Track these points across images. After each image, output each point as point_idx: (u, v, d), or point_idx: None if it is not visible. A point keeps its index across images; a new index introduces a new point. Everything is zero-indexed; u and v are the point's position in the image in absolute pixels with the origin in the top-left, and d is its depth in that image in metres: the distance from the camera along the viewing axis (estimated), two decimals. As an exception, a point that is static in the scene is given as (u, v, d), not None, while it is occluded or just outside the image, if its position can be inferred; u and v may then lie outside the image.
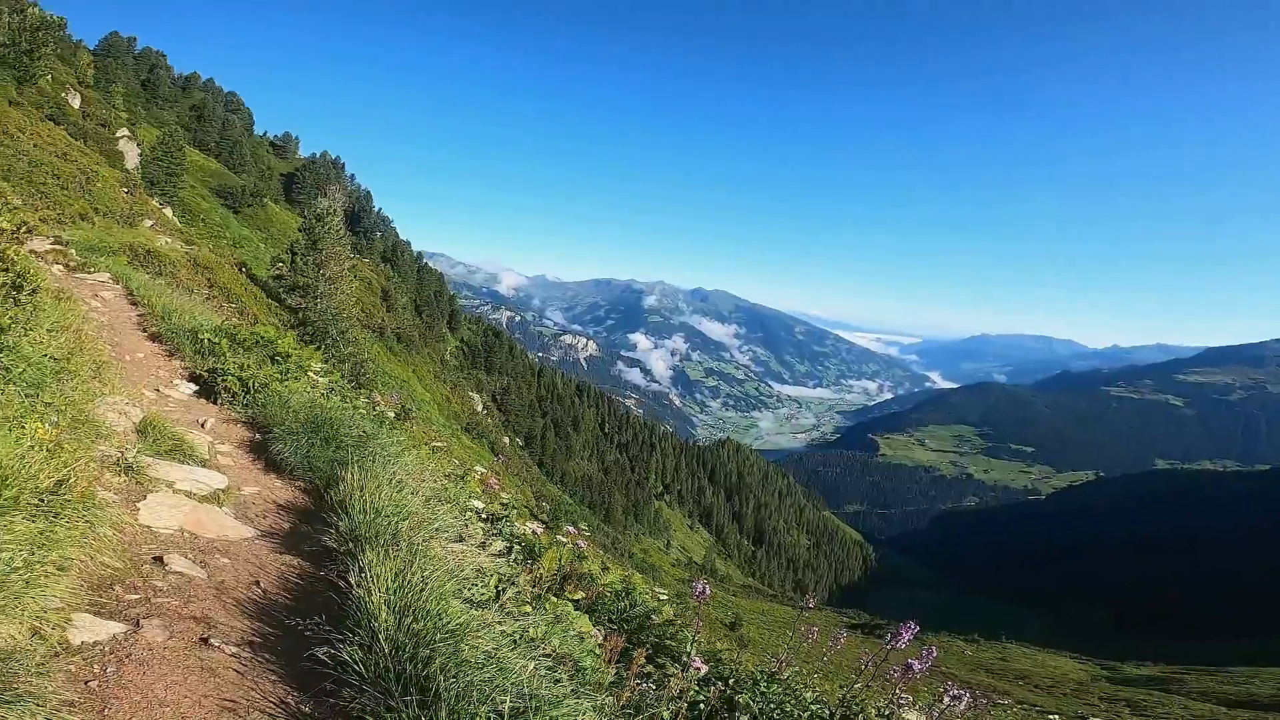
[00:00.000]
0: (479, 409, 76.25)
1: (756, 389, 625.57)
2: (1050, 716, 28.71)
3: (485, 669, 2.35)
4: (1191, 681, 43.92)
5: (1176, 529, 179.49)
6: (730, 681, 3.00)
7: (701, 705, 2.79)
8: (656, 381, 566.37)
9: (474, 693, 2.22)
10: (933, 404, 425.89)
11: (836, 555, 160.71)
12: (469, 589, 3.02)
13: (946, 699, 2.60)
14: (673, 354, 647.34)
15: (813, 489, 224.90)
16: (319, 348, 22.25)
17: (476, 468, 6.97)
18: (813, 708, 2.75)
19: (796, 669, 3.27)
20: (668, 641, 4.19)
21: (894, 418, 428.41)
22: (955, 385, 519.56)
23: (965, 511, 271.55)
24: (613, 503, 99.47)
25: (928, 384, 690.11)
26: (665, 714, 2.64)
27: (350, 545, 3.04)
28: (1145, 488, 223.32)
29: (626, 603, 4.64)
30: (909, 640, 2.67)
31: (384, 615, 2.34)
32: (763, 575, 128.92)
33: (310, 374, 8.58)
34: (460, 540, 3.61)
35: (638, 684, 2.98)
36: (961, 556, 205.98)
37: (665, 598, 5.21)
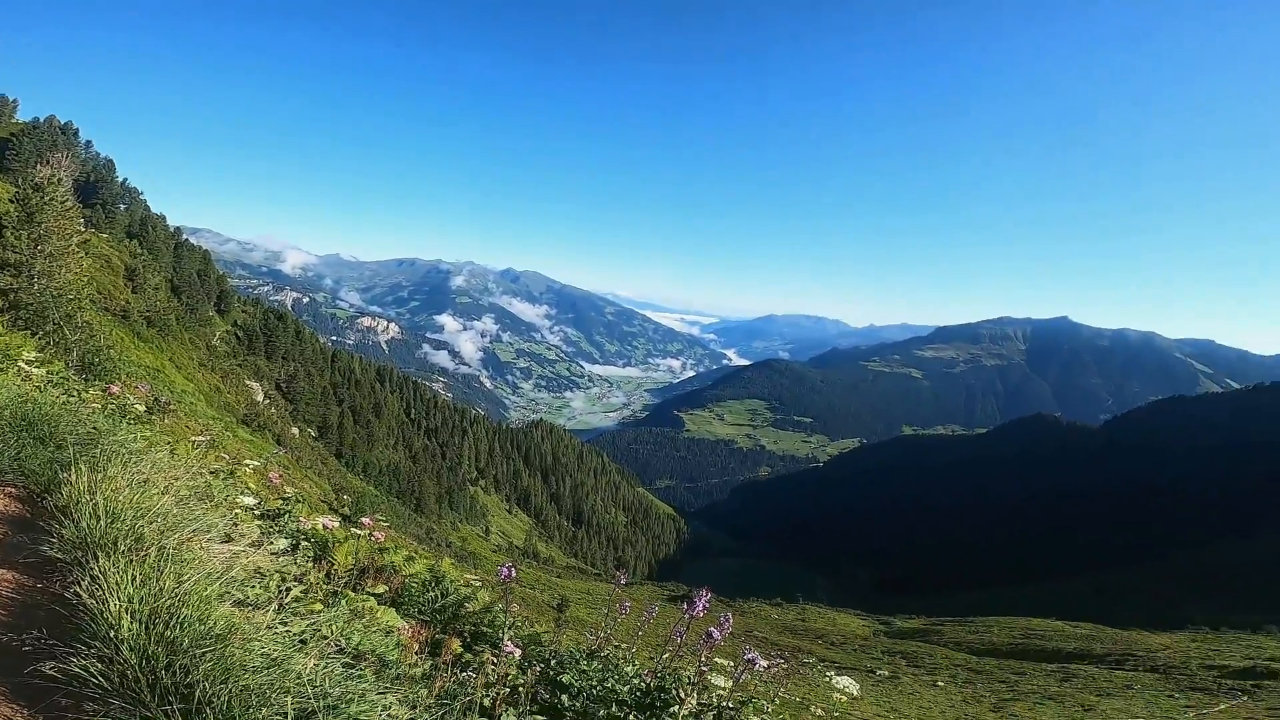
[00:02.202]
0: (259, 399, 67.98)
1: (568, 369, 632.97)
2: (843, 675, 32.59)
3: (267, 672, 2.17)
4: (947, 633, 52.37)
5: (916, 492, 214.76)
6: (552, 662, 3.04)
7: (521, 688, 2.78)
8: (466, 364, 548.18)
9: (251, 697, 2.06)
10: (729, 380, 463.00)
11: (653, 530, 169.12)
12: (242, 591, 2.71)
13: (744, 660, 2.81)
14: (483, 335, 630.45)
15: (626, 467, 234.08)
16: (35, 334, 18.46)
17: (248, 462, 6.24)
18: (633, 680, 2.84)
19: (617, 645, 3.37)
20: (484, 628, 4.13)
21: (696, 394, 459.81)
22: (748, 362, 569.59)
23: (759, 482, 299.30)
24: (424, 491, 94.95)
25: (725, 361, 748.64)
26: (485, 701, 2.61)
27: (80, 554, 2.56)
28: (895, 453, 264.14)
29: (436, 592, 4.50)
30: (704, 607, 2.79)
31: (127, 624, 2.04)
32: (585, 555, 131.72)
33: (21, 364, 7.34)
34: (229, 540, 3.21)
35: (455, 674, 2.90)
36: (758, 524, 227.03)
37: (479, 584, 5.11)
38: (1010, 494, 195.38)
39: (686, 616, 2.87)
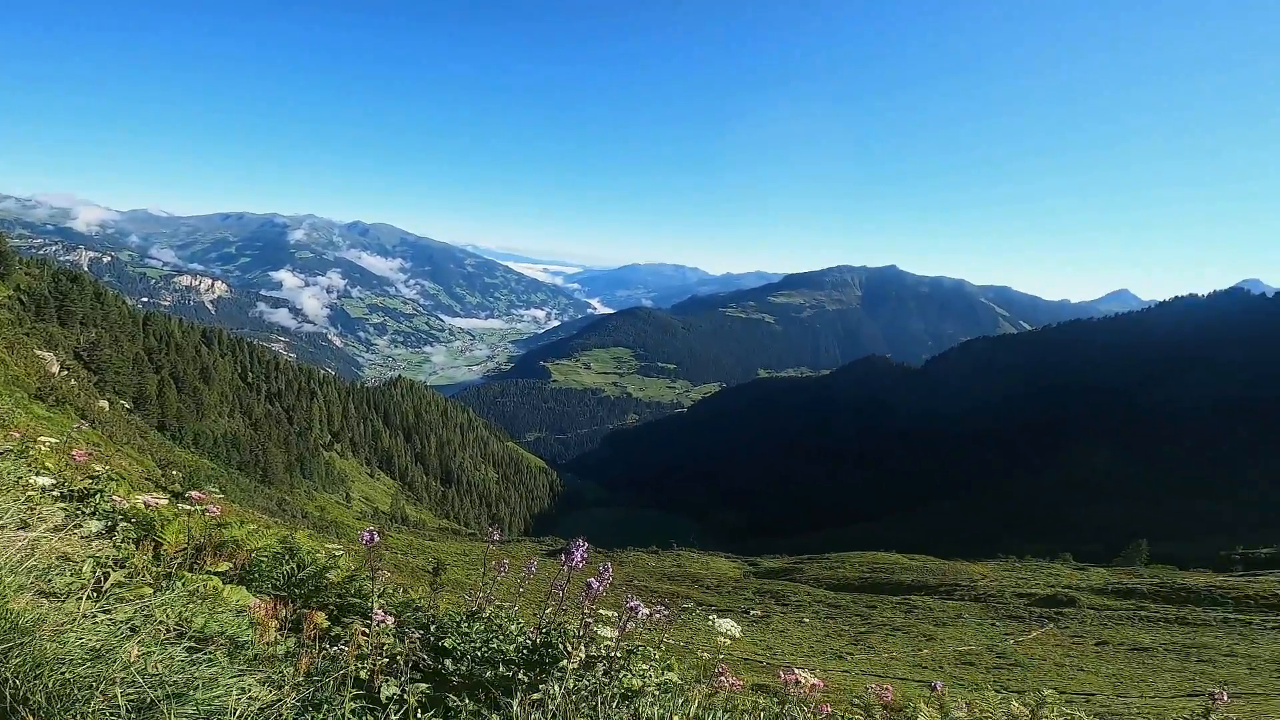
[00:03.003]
0: (54, 370, 58.50)
1: (427, 323, 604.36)
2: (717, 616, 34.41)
3: (91, 664, 1.97)
4: (807, 570, 56.52)
5: (772, 433, 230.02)
6: (432, 628, 2.96)
7: (400, 657, 2.71)
8: (310, 322, 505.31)
9: (74, 691, 1.86)
10: (594, 329, 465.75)
11: (525, 485, 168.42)
12: (46, 580, 2.40)
13: (627, 609, 2.86)
14: (329, 291, 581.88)
15: (494, 421, 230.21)
16: None
17: (44, 439, 5.43)
18: (519, 639, 2.81)
19: (499, 605, 3.33)
20: (351, 599, 3.92)
21: (562, 344, 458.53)
22: (613, 311, 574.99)
23: (628, 430, 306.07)
24: (271, 460, 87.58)
25: (589, 310, 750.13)
26: (363, 674, 2.52)
27: None
28: (752, 395, 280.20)
29: (291, 565, 4.21)
30: (582, 558, 2.77)
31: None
32: (458, 515, 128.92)
33: None
34: (26, 527, 2.81)
35: (324, 649, 2.76)
36: (630, 472, 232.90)
37: (341, 553, 4.87)
38: (851, 433, 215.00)
39: (565, 569, 2.85)
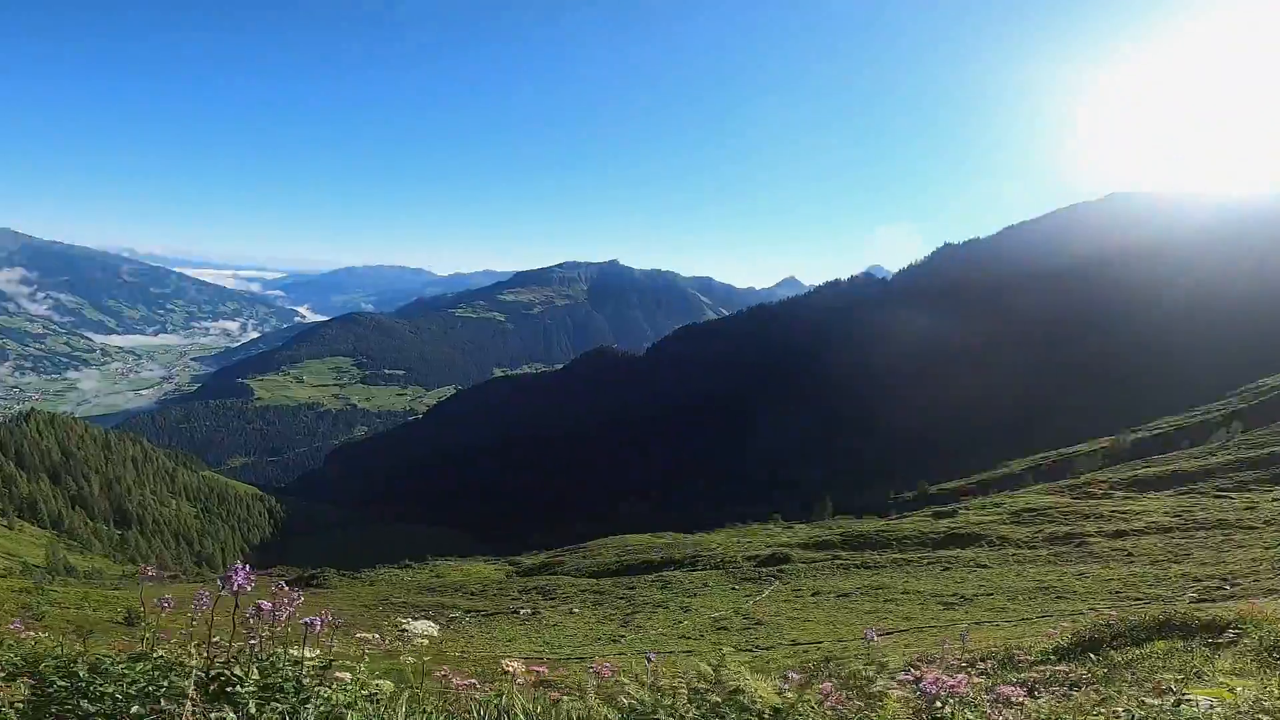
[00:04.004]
0: None
1: (67, 344, 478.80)
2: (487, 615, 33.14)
3: None
4: (567, 562, 56.81)
5: (515, 430, 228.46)
6: (85, 685, 2.60)
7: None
8: None
9: None
10: (305, 339, 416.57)
11: (237, 515, 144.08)
12: None
13: (303, 625, 2.87)
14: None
15: (182, 449, 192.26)
16: None
17: None
18: (196, 674, 2.55)
19: (177, 642, 3.16)
20: None
21: (265, 357, 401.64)
22: (326, 318, 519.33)
23: (357, 443, 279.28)
24: None
25: (298, 319, 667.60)
26: None
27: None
28: (490, 395, 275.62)
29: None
30: (243, 581, 2.56)
31: None
32: (146, 556, 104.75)
33: None
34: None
35: None
36: (368, 488, 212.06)
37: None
38: (590, 423, 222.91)
39: (222, 592, 2.63)
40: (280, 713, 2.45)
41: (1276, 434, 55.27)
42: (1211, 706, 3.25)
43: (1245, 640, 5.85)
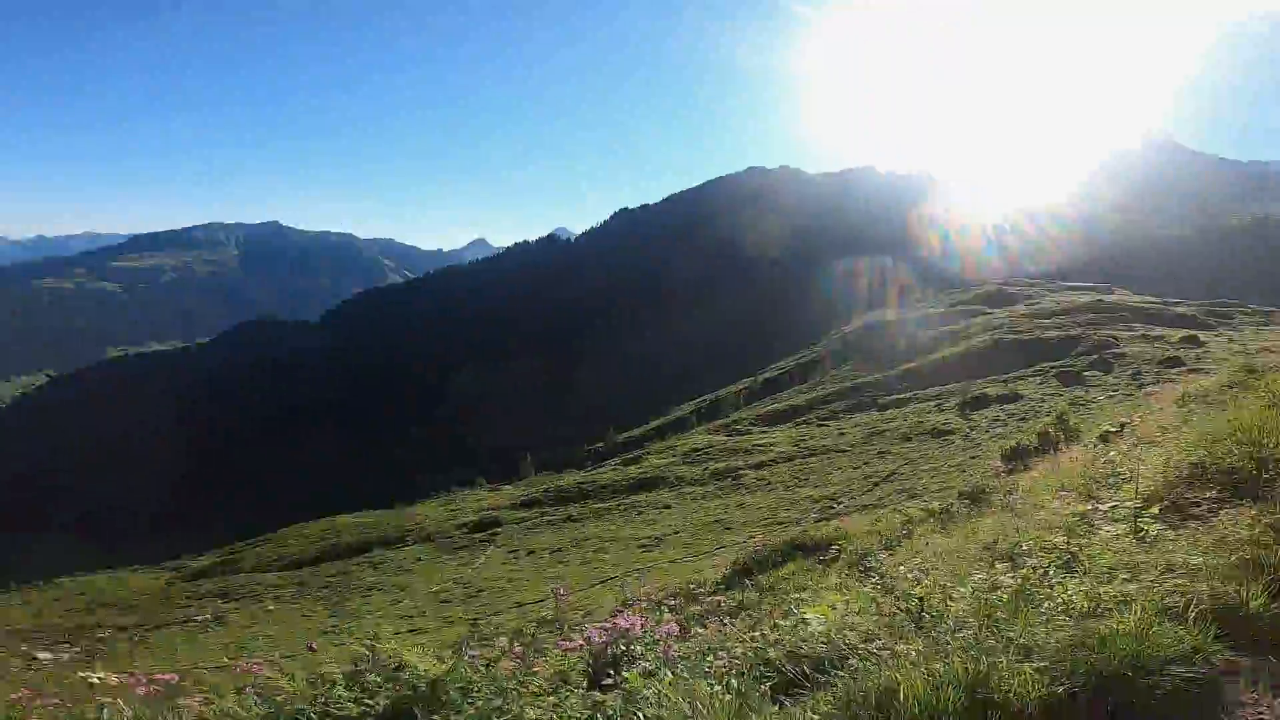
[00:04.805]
0: None
1: None
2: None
3: None
4: (246, 559, 48.51)
5: (153, 420, 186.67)
6: None
7: None
8: None
9: None
10: None
11: None
12: None
13: None
14: None
15: None
16: None
17: None
18: None
19: None
20: None
21: None
22: None
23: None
24: None
25: None
26: None
27: None
28: (100, 382, 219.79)
29: None
30: None
31: None
32: None
33: None
34: None
35: None
36: None
37: None
38: (251, 400, 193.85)
39: None
40: None
41: (858, 369, 71.49)
42: (821, 623, 4.51)
43: (843, 556, 8.11)
